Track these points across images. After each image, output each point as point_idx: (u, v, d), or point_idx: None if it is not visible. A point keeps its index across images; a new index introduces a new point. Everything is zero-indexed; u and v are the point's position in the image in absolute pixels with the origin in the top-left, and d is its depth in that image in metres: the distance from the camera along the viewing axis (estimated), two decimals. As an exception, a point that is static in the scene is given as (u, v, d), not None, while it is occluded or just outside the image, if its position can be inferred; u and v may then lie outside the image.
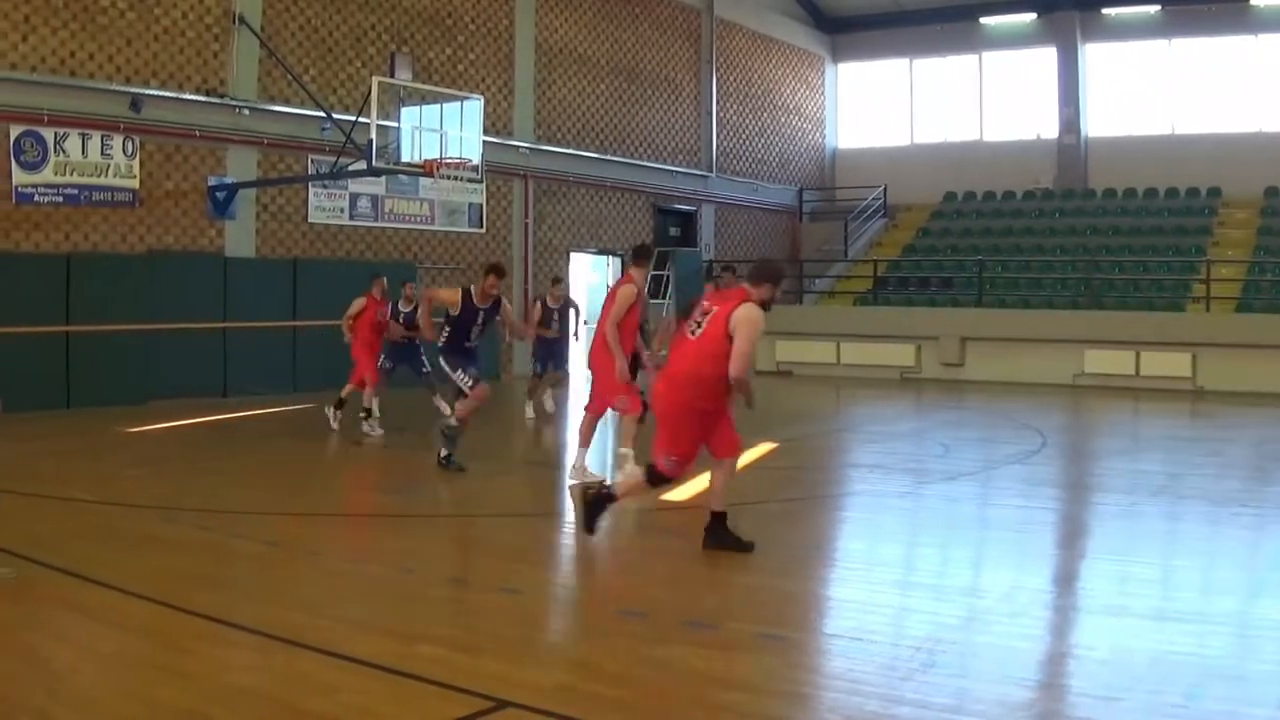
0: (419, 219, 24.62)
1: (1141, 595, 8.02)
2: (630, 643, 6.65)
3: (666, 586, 8.06)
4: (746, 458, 13.30)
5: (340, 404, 16.59)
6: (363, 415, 16.11)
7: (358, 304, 16.64)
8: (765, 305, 8.70)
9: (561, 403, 19.74)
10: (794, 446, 15.20)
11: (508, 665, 6.12)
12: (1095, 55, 34.83)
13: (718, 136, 33.23)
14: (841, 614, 7.71)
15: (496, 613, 7.26)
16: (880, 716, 5.52)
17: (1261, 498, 12.36)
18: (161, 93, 19.98)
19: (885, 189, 36.03)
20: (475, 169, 20.18)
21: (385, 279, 17.26)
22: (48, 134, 18.63)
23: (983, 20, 35.50)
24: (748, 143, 34.75)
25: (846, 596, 8.19)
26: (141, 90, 19.66)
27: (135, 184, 19.71)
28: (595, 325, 12.38)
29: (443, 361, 13.08)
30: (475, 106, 20.45)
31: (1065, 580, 8.72)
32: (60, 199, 18.83)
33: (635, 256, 12.48)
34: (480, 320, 12.99)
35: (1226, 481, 13.02)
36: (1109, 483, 13.64)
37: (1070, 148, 34.62)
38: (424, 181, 23.16)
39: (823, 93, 38.16)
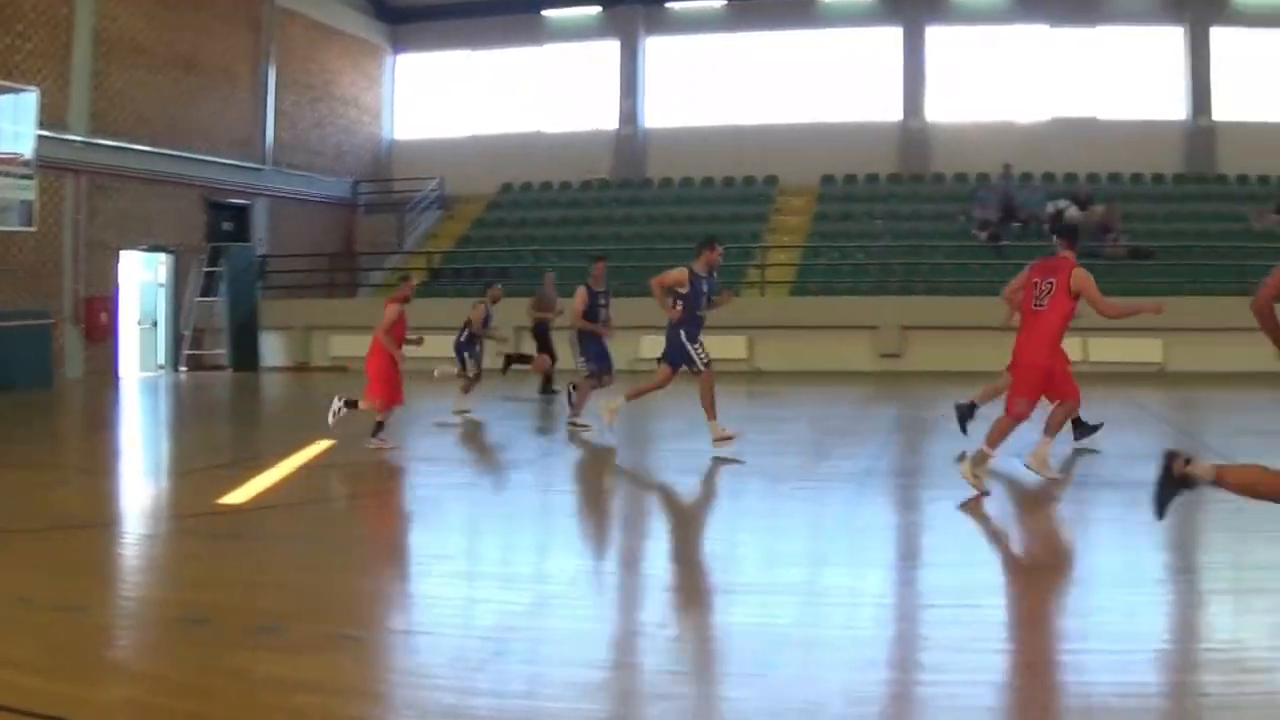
0: (-35, 217, 23.27)
1: (708, 570, 8.45)
2: (198, 652, 6.54)
3: (231, 592, 7.94)
4: (303, 457, 13.39)
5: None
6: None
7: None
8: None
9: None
10: (351, 443, 15.27)
11: (76, 684, 5.94)
12: (657, 48, 36.14)
13: (275, 129, 32.75)
14: (410, 609, 7.82)
15: (62, 631, 6.98)
16: (457, 709, 5.60)
17: (820, 472, 13.10)
18: None
19: (441, 181, 36.32)
20: (26, 164, 19.40)
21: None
22: None
23: (546, 13, 36.25)
24: (305, 135, 34.44)
25: (413, 591, 8.33)
26: None
27: None
28: None
29: None
30: (30, 99, 19.67)
31: (630, 561, 9.09)
32: None
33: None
34: None
35: (786, 458, 13.73)
36: (668, 463, 14.23)
37: (628, 139, 35.81)
38: (-28, 178, 21.90)
39: (381, 84, 38.11)
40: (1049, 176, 33.15)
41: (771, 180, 34.25)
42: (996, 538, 9.90)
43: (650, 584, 8.34)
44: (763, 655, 6.34)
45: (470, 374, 18.44)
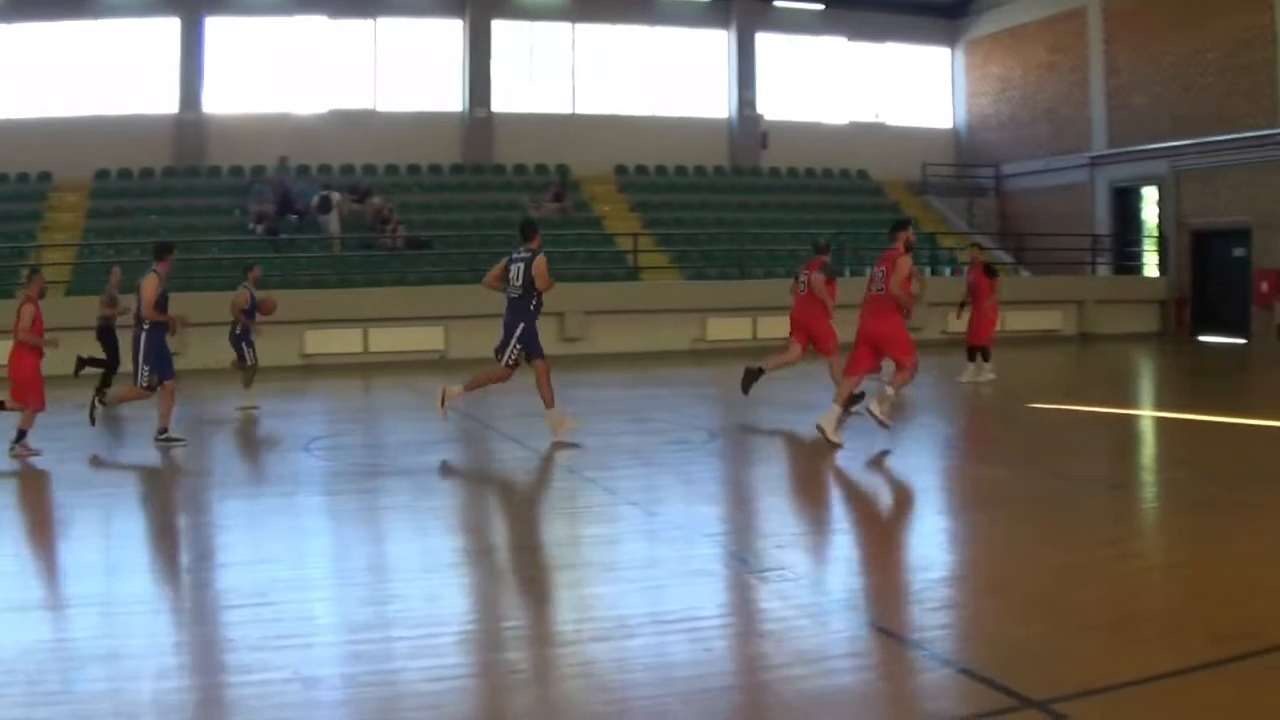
0: None
1: (-1, 588, 7.84)
2: None
3: None
4: None
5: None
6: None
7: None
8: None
9: None
10: None
11: None
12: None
13: None
14: None
15: None
16: None
17: (110, 479, 12.65)
18: None
19: None
20: None
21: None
22: None
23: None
24: None
25: None
26: None
27: None
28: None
29: None
30: None
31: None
32: None
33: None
34: None
35: (69, 465, 12.94)
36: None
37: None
38: None
39: None
40: (326, 168, 33.48)
41: (45, 176, 32.36)
42: (287, 533, 9.88)
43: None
44: (65, 673, 6.13)
45: (249, 365, 17.81)
